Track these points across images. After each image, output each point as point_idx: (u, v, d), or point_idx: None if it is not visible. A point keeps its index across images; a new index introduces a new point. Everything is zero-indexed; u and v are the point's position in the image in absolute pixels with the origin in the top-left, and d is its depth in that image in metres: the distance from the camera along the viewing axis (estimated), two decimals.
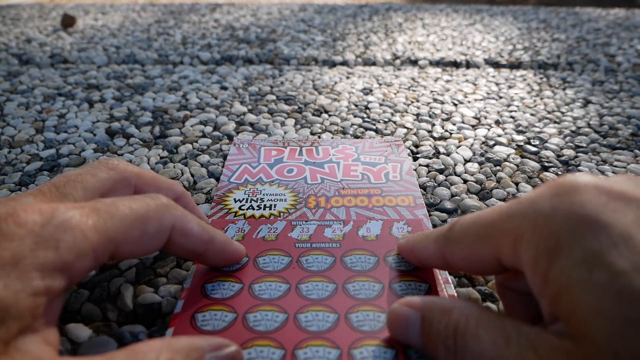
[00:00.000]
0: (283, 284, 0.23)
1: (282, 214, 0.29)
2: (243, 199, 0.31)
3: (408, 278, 0.24)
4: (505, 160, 0.38)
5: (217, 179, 0.35)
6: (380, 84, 0.57)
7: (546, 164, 0.38)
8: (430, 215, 0.31)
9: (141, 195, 0.21)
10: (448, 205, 0.32)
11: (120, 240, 0.18)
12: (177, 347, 0.16)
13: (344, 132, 0.43)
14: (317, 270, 0.24)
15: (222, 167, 0.36)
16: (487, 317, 0.16)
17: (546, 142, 0.42)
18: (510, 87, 0.56)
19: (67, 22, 0.86)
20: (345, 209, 0.30)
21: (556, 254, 0.15)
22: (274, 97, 0.52)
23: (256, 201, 0.31)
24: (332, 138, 0.41)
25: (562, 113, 0.48)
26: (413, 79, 0.59)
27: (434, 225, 0.30)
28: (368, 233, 0.27)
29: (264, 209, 0.30)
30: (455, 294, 0.23)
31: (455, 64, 0.66)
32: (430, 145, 0.40)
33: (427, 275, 0.24)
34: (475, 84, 0.57)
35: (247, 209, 0.30)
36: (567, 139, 0.42)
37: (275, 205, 0.30)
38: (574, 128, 0.45)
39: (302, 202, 0.31)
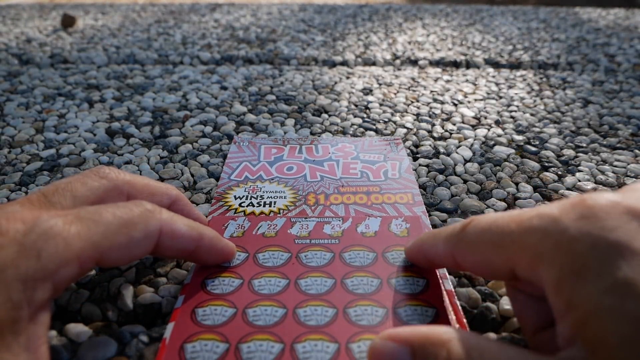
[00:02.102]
0: (282, 279, 0.24)
1: (281, 211, 0.29)
2: (243, 196, 0.31)
3: (406, 274, 0.24)
4: (505, 160, 0.38)
5: (217, 179, 0.35)
6: (380, 84, 0.57)
7: (546, 164, 0.38)
8: (430, 215, 0.31)
9: (125, 202, 0.20)
10: (448, 205, 0.32)
11: (106, 246, 0.18)
12: None
13: (343, 132, 0.43)
14: (316, 266, 0.24)
15: (222, 167, 0.36)
16: (489, 348, 0.15)
17: (546, 142, 0.42)
18: (510, 87, 0.56)
19: (67, 22, 0.86)
20: (345, 206, 0.30)
21: (583, 278, 0.14)
22: (274, 97, 0.52)
23: (256, 198, 0.31)
24: (332, 137, 0.41)
25: (562, 113, 0.48)
26: (413, 79, 0.59)
27: (434, 225, 0.30)
28: (367, 229, 0.28)
29: (264, 206, 0.30)
30: (453, 289, 0.23)
31: (455, 64, 0.66)
32: (430, 145, 0.40)
33: (425, 271, 0.24)
34: (475, 84, 0.57)
35: (247, 206, 0.30)
36: (567, 139, 0.42)
37: (275, 203, 0.30)
38: (574, 128, 0.45)
39: (301, 200, 0.31)
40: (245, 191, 0.32)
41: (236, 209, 0.30)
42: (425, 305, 0.22)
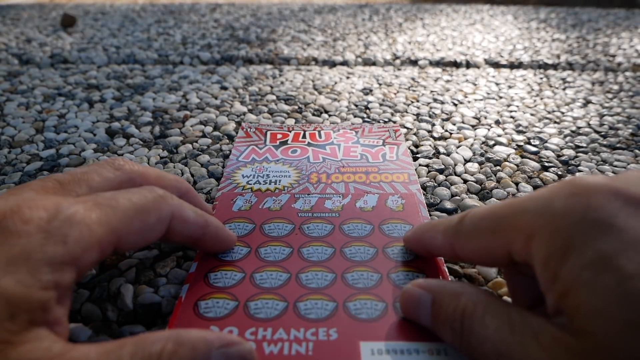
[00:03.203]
0: (286, 247, 0.26)
1: (286, 188, 0.32)
2: (250, 175, 0.34)
3: (400, 244, 0.26)
4: (505, 160, 0.38)
5: (217, 179, 0.35)
6: (380, 84, 0.57)
7: (546, 164, 0.38)
8: (430, 215, 0.31)
9: (138, 188, 0.21)
10: (448, 205, 0.32)
11: (123, 232, 0.19)
12: (184, 339, 0.16)
13: None
14: (318, 236, 0.27)
15: (222, 167, 0.37)
16: (494, 303, 0.17)
17: (546, 142, 0.42)
18: (510, 87, 0.56)
19: (67, 22, 0.86)
20: (345, 184, 0.32)
21: (567, 254, 0.15)
22: (274, 97, 0.52)
23: (262, 177, 0.33)
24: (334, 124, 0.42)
25: (562, 113, 0.48)
26: (413, 79, 0.59)
27: None
28: (365, 205, 0.30)
29: (270, 184, 0.32)
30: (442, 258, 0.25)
31: (455, 64, 0.66)
32: (430, 145, 0.40)
33: None
34: (475, 84, 0.57)
35: (254, 184, 0.32)
36: (567, 139, 0.42)
37: (279, 181, 0.33)
38: (574, 128, 0.45)
39: (304, 178, 0.33)
40: (252, 171, 0.34)
41: (244, 186, 0.32)
42: (416, 271, 0.24)
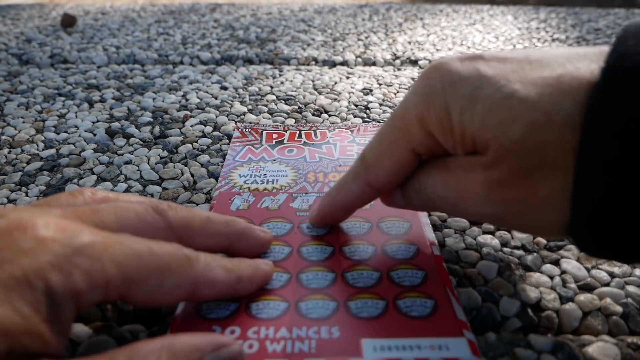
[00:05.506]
0: (286, 247, 0.26)
1: (283, 188, 0.32)
2: (247, 174, 0.34)
3: (398, 241, 0.26)
4: None
5: (217, 179, 0.35)
6: (380, 84, 0.57)
7: None
8: (430, 215, 0.31)
9: (165, 243, 0.19)
10: None
11: (136, 282, 0.17)
12: (177, 348, 0.16)
13: None
14: (317, 235, 0.27)
15: (222, 167, 0.37)
16: (438, 160, 0.22)
17: None
18: None
19: (67, 22, 0.86)
20: None
21: (448, 114, 0.20)
22: (274, 97, 0.52)
23: (259, 176, 0.33)
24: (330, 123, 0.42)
25: None
26: (413, 79, 0.59)
27: (434, 225, 0.30)
28: None
29: (267, 183, 0.32)
30: (440, 254, 0.25)
31: None
32: None
33: (415, 239, 0.27)
34: None
35: (251, 183, 0.32)
36: None
37: (277, 180, 0.33)
38: None
39: (302, 178, 0.33)
40: (249, 170, 0.34)
41: (241, 185, 0.32)
42: (415, 268, 0.24)
